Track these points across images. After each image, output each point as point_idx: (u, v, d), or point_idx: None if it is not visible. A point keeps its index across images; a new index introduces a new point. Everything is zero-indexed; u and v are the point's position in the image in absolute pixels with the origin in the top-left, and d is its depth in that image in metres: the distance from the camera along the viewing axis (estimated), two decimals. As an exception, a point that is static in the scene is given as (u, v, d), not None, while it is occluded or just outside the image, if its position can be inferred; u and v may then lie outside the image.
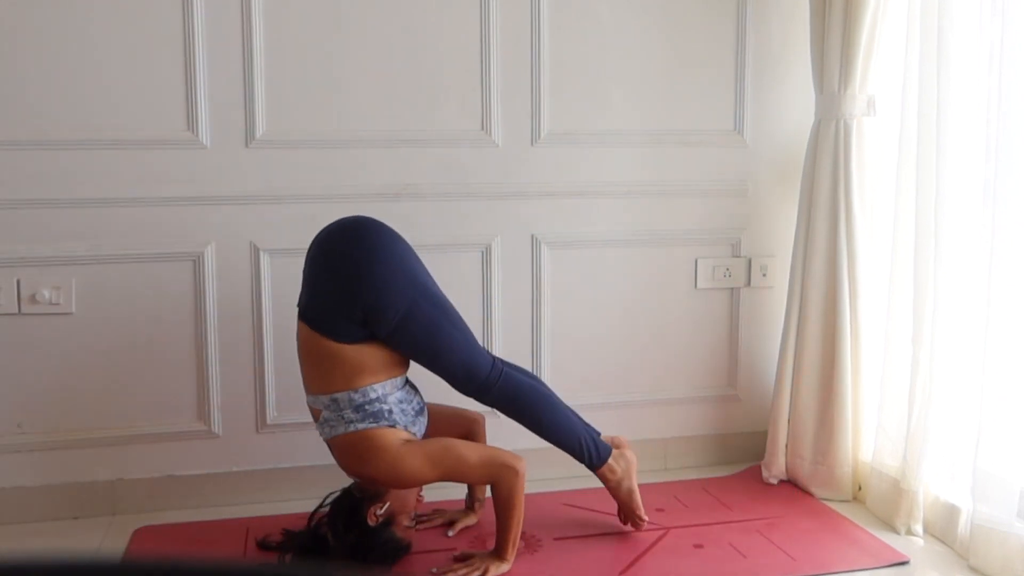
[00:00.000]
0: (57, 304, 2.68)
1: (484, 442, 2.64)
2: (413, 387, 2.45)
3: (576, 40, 2.96)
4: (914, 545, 2.58)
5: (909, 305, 2.63)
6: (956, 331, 2.52)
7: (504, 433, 2.97)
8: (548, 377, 3.05)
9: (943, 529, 2.58)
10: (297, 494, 2.75)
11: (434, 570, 2.34)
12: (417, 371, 2.49)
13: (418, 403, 2.42)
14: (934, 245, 2.52)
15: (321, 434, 2.35)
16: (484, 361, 2.39)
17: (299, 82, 2.78)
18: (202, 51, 2.69)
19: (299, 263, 2.45)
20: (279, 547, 2.41)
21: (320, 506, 2.39)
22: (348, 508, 2.32)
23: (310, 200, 2.75)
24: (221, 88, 2.72)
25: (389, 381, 2.32)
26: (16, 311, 2.66)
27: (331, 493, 2.39)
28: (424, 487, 2.44)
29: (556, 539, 2.58)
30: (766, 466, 3.03)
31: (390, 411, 2.29)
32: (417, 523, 2.53)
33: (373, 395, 2.28)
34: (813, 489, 2.92)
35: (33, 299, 2.66)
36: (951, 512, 2.55)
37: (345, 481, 2.40)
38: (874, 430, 2.81)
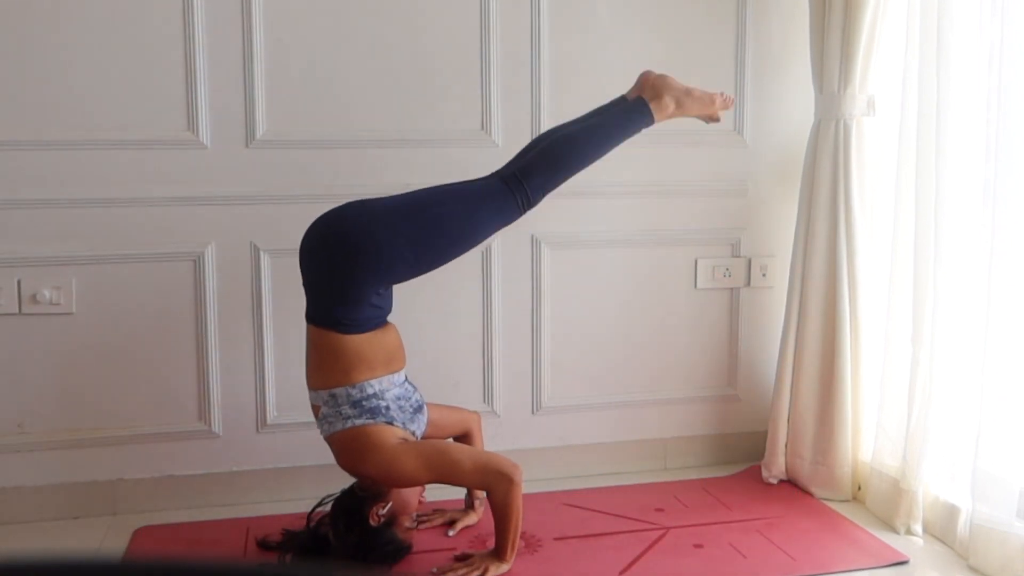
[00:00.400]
0: (57, 304, 2.68)
1: (481, 440, 2.65)
2: (412, 384, 2.45)
3: (576, 40, 2.96)
4: (914, 545, 2.58)
5: (909, 305, 2.63)
6: (956, 331, 2.52)
7: (505, 432, 2.98)
8: (548, 377, 3.05)
9: (943, 529, 2.58)
10: (297, 494, 2.75)
11: (434, 570, 2.34)
12: (415, 369, 2.50)
13: (416, 400, 2.42)
14: (934, 245, 2.52)
15: (321, 431, 2.36)
16: (492, 184, 2.38)
17: (299, 82, 2.78)
18: (202, 51, 2.70)
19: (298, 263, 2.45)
20: (279, 547, 2.41)
21: (317, 506, 2.39)
22: (350, 508, 2.32)
23: (310, 200, 2.74)
24: (221, 88, 2.72)
25: (386, 377, 2.33)
26: (16, 311, 2.66)
27: (329, 495, 2.39)
28: (425, 487, 2.45)
29: (556, 539, 2.58)
30: (766, 466, 3.03)
31: (387, 407, 2.30)
32: (418, 523, 2.54)
33: (370, 391, 2.29)
34: (813, 489, 2.92)
35: (33, 299, 2.66)
36: (951, 512, 2.55)
37: (345, 482, 2.40)
38: (874, 430, 2.81)
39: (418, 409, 2.41)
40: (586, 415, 3.11)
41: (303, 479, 2.80)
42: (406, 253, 2.27)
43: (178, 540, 2.58)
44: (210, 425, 2.82)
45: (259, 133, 2.76)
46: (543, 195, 2.40)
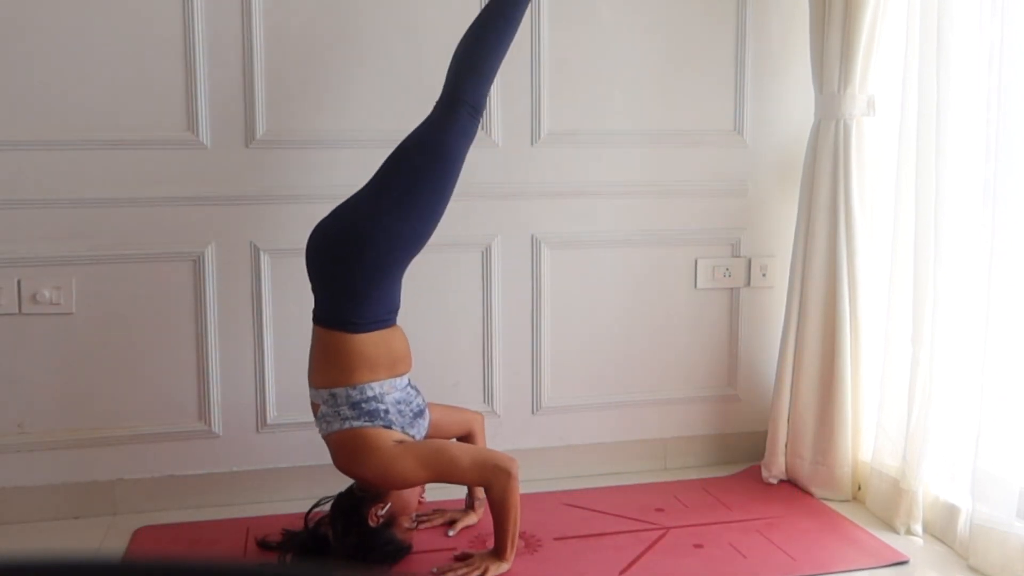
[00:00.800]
0: (57, 304, 2.68)
1: (483, 440, 2.65)
2: (415, 388, 2.45)
3: (576, 40, 2.96)
4: (914, 545, 2.58)
5: (909, 305, 2.63)
6: (956, 331, 2.52)
7: (505, 432, 2.98)
8: (548, 377, 3.05)
9: (943, 529, 2.58)
10: (297, 494, 2.75)
11: (435, 570, 2.34)
12: (414, 369, 2.50)
13: (418, 405, 2.42)
14: (934, 245, 2.52)
15: (319, 430, 2.36)
16: (438, 115, 2.42)
17: (299, 82, 2.78)
18: (202, 51, 2.70)
19: (299, 263, 2.46)
20: (279, 547, 2.41)
21: (315, 507, 2.38)
22: (349, 508, 2.32)
23: (310, 200, 2.74)
24: (221, 88, 2.72)
25: (388, 381, 2.33)
26: (16, 311, 2.66)
27: (326, 497, 2.39)
28: (425, 487, 2.45)
29: (556, 539, 2.58)
30: (766, 466, 3.03)
31: (386, 411, 2.30)
32: (417, 523, 2.54)
33: (370, 393, 2.29)
34: (813, 489, 2.92)
35: (33, 299, 2.66)
36: (951, 512, 2.55)
37: (343, 483, 2.40)
38: (874, 430, 2.81)
39: (419, 414, 2.41)
40: (586, 415, 3.10)
41: (303, 479, 2.80)
42: (399, 227, 2.30)
43: (178, 540, 2.58)
44: (210, 425, 2.82)
45: (259, 133, 2.76)
46: (484, 94, 2.46)
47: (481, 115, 2.46)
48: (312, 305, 2.38)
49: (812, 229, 2.89)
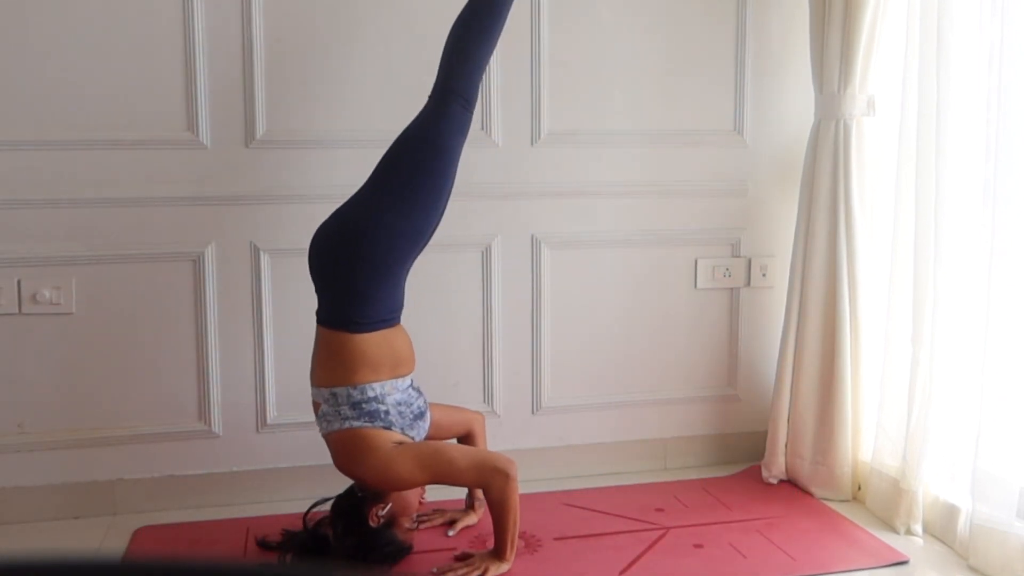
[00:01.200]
0: (57, 304, 2.68)
1: (484, 440, 2.65)
2: (417, 390, 2.45)
3: (576, 40, 2.96)
4: (914, 545, 2.58)
5: (909, 305, 2.63)
6: (956, 331, 2.52)
7: (505, 432, 2.98)
8: (548, 377, 3.05)
9: (943, 529, 2.58)
10: (297, 494, 2.74)
11: (435, 570, 2.34)
12: (420, 371, 2.49)
13: (419, 407, 2.42)
14: (934, 245, 2.52)
15: (319, 429, 2.36)
16: (431, 110, 2.42)
17: (299, 82, 2.78)
18: (202, 51, 2.70)
19: (299, 263, 2.46)
20: (279, 547, 2.41)
21: (312, 507, 2.38)
22: (349, 508, 2.32)
23: (310, 200, 2.74)
24: (221, 88, 2.72)
25: (390, 382, 2.33)
26: (16, 311, 2.66)
27: (324, 498, 2.39)
28: (426, 487, 2.45)
29: (556, 539, 2.58)
30: (766, 466, 3.03)
31: (386, 412, 2.30)
32: (418, 523, 2.54)
33: (371, 393, 2.29)
34: (813, 489, 2.92)
35: (33, 299, 2.66)
36: (951, 512, 2.55)
37: (343, 482, 2.40)
38: (874, 430, 2.81)
39: (419, 415, 2.41)
40: (586, 415, 3.10)
41: (303, 479, 2.80)
42: (399, 224, 2.30)
43: (178, 540, 2.58)
44: (210, 425, 2.82)
45: (259, 133, 2.76)
46: (475, 85, 2.47)
47: (473, 107, 2.46)
48: (313, 305, 2.39)
49: (812, 229, 2.89)
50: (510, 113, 2.93)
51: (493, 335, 2.99)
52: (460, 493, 2.68)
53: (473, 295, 2.97)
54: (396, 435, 2.31)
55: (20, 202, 2.64)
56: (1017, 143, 2.29)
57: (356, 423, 2.27)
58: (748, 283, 3.18)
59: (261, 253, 2.80)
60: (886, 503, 2.72)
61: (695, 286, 3.15)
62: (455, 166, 2.42)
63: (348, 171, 2.81)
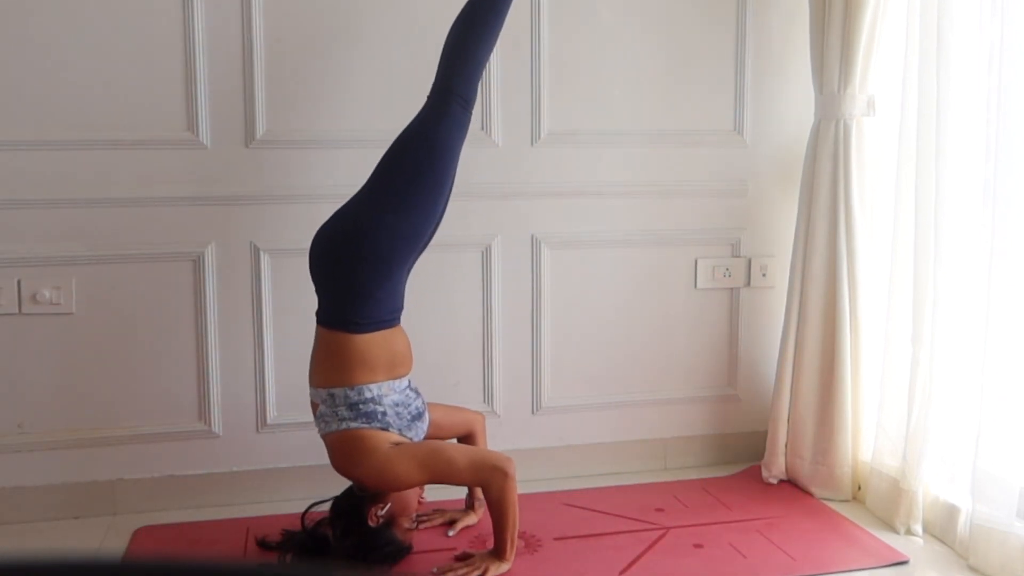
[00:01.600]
0: (57, 304, 2.68)
1: (484, 440, 2.65)
2: (415, 391, 2.45)
3: (576, 40, 2.96)
4: (914, 545, 2.58)
5: (909, 305, 2.63)
6: (956, 331, 2.52)
7: (505, 432, 2.98)
8: (548, 377, 3.06)
9: (943, 529, 2.58)
10: (297, 494, 2.74)
11: (435, 570, 2.34)
12: (414, 370, 2.49)
13: (417, 408, 2.41)
14: (934, 245, 2.52)
15: (318, 429, 2.37)
16: (430, 111, 2.42)
17: (299, 82, 2.78)
18: (202, 51, 2.70)
19: (299, 263, 2.46)
20: (279, 547, 2.41)
21: (310, 508, 2.38)
22: (349, 509, 2.32)
23: (310, 200, 2.75)
24: (221, 88, 2.72)
25: (387, 383, 2.33)
26: (16, 311, 2.66)
27: (322, 499, 2.39)
28: (425, 487, 2.45)
29: (556, 539, 2.58)
30: (766, 466, 3.03)
31: (384, 413, 2.30)
32: (417, 523, 2.54)
33: (368, 395, 2.29)
34: (813, 489, 2.92)
35: (33, 299, 2.66)
36: (951, 512, 2.55)
37: (342, 483, 2.40)
38: (874, 430, 2.81)
39: (417, 416, 2.41)
40: (586, 415, 3.10)
41: (303, 479, 2.80)
42: (399, 224, 2.31)
43: (178, 540, 2.58)
44: (210, 425, 2.82)
45: (259, 133, 2.76)
46: (474, 85, 2.47)
47: (472, 106, 2.46)
48: (313, 305, 2.39)
49: (812, 229, 2.89)
50: (510, 113, 2.93)
51: (493, 335, 2.99)
52: (460, 493, 2.68)
53: (473, 295, 2.97)
54: (394, 436, 2.31)
55: (20, 202, 2.64)
56: (1017, 143, 2.29)
57: (353, 424, 2.27)
58: (748, 283, 3.18)
59: (261, 253, 2.80)
60: (886, 503, 2.72)
61: (695, 286, 3.15)
62: (455, 166, 2.42)
63: (348, 171, 2.81)
